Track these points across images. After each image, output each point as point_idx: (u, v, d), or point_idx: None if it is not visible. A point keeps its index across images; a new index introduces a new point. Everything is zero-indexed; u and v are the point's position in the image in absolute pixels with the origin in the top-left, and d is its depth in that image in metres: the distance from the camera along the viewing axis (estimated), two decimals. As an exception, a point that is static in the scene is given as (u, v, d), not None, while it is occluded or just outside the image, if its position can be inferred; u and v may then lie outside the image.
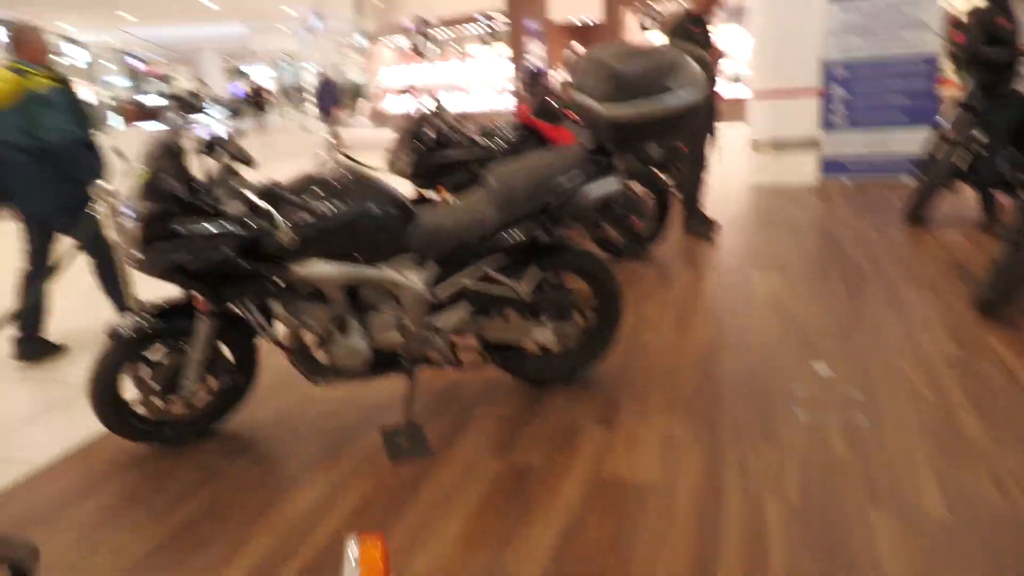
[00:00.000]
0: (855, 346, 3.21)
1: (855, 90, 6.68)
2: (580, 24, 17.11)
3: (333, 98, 15.94)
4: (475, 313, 2.68)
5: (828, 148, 6.88)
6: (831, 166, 6.91)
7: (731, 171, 8.04)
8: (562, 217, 2.61)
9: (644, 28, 13.66)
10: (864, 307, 3.67)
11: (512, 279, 2.65)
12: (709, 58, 4.80)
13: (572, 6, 15.87)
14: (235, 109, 27.43)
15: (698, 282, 4.25)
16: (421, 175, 4.27)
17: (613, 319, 2.94)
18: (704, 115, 4.99)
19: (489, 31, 16.17)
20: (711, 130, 5.11)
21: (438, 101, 4.52)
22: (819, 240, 4.97)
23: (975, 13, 4.62)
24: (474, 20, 16.46)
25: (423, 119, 4.27)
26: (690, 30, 4.85)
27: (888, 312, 3.58)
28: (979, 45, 4.55)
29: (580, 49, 15.75)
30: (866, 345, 3.21)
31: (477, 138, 4.34)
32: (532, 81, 5.97)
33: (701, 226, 5.31)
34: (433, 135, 4.26)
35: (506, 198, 2.54)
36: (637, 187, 4.72)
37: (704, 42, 4.89)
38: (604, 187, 2.63)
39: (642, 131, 2.51)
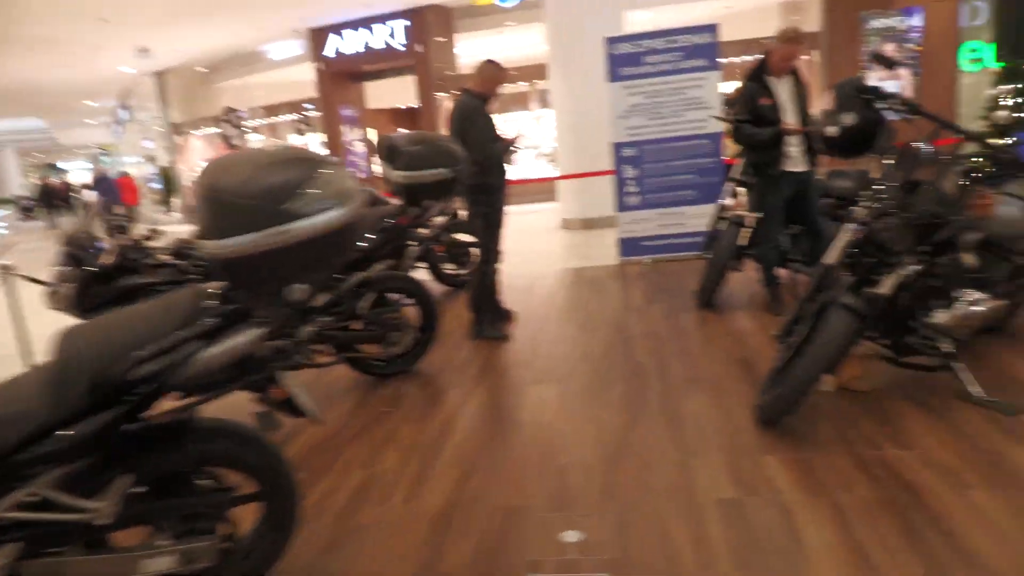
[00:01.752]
0: (621, 491, 2.59)
1: (646, 170, 6.50)
2: (403, 108, 16.86)
3: (112, 194, 14.60)
4: (30, 555, 1.78)
5: (624, 228, 6.62)
6: (629, 246, 6.64)
7: (543, 253, 7.65)
8: (159, 395, 1.81)
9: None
10: (640, 428, 3.10)
11: (88, 495, 1.79)
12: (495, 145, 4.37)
13: (390, 93, 15.56)
14: (27, 208, 24.87)
15: (459, 411, 3.55)
16: (93, 308, 3.31)
17: (283, 520, 2.13)
18: (488, 204, 4.45)
19: (303, 120, 15.45)
20: (499, 220, 4.53)
21: (106, 201, 3.64)
22: (608, 336, 4.48)
23: (739, 93, 4.44)
24: (289, 110, 15.71)
25: (78, 234, 3.33)
26: (483, 113, 4.39)
27: (665, 433, 3.03)
28: (741, 125, 4.35)
29: (402, 132, 15.39)
30: (633, 488, 2.60)
31: (167, 257, 3.47)
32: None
33: (491, 328, 4.68)
34: (93, 251, 3.33)
35: (66, 377, 1.70)
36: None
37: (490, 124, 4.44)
38: (233, 345, 1.86)
39: (265, 269, 1.78)
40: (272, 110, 16.06)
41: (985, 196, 3.39)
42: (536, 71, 11.62)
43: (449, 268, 6.31)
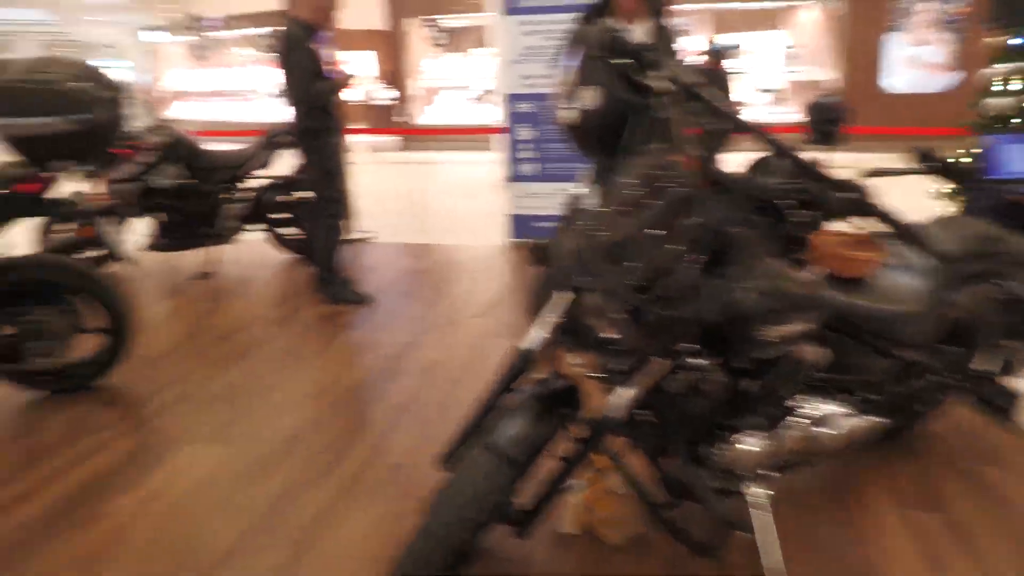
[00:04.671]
0: None
1: (545, 132, 5.15)
2: (374, 31, 15.31)
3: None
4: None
5: (515, 203, 5.34)
6: (521, 225, 5.37)
7: (441, 219, 6.43)
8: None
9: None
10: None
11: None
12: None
13: (361, 15, 13.99)
14: None
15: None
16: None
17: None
18: (316, 151, 3.99)
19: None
20: (333, 167, 4.06)
21: None
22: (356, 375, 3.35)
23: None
24: (258, 22, 14.29)
25: None
26: (305, 46, 3.82)
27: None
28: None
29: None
30: None
31: None
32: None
33: (346, 290, 4.19)
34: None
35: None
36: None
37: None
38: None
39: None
40: (240, 22, 14.65)
41: (864, 245, 2.10)
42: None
43: (292, 232, 5.19)
